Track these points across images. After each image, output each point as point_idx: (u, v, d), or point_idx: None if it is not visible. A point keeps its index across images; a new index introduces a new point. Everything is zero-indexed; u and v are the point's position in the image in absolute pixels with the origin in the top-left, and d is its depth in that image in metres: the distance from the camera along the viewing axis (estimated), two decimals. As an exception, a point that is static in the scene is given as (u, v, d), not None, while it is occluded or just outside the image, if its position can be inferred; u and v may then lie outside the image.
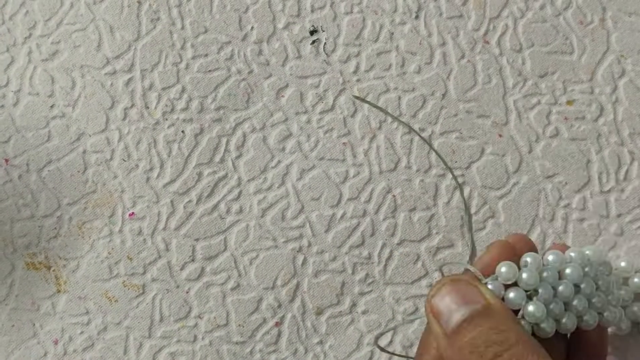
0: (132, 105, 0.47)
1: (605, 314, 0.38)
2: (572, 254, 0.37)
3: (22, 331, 0.45)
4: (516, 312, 0.36)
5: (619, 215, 0.46)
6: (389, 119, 0.47)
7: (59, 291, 0.45)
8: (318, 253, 0.46)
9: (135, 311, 0.45)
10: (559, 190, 0.46)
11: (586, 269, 0.37)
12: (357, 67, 0.47)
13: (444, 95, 0.47)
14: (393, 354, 0.44)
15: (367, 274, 0.46)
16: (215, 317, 0.45)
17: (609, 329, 0.42)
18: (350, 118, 0.47)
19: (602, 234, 0.46)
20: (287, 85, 0.47)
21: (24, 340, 0.45)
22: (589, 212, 0.46)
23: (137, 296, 0.45)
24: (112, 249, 0.46)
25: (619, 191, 0.46)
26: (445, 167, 0.44)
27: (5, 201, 0.46)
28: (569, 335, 0.39)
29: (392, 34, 0.48)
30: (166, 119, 0.47)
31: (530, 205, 0.46)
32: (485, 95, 0.47)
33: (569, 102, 0.47)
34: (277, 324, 0.45)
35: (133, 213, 0.46)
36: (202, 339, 0.45)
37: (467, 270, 0.36)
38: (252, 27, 0.48)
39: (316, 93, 0.47)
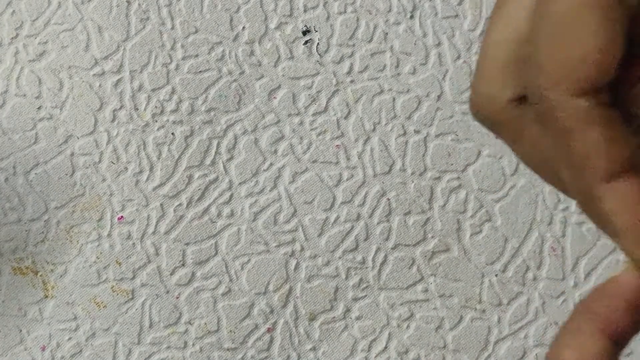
0: (121, 107, 0.47)
1: None
2: None
3: (8, 337, 0.45)
4: None
5: (618, 219, 0.46)
6: (383, 122, 0.47)
7: (46, 296, 0.45)
8: (311, 257, 0.46)
9: (125, 317, 0.45)
10: (557, 193, 0.46)
11: None
12: (351, 68, 0.47)
13: (439, 96, 0.47)
14: None
15: (361, 279, 0.46)
16: (206, 323, 0.45)
17: None
18: (343, 120, 0.47)
19: (601, 238, 0.46)
20: (279, 87, 0.47)
21: (10, 347, 0.45)
22: (588, 215, 0.46)
23: (126, 302, 0.45)
24: (101, 253, 0.46)
25: (618, 194, 0.46)
26: None
27: (-8, 205, 0.46)
28: None
29: (387, 34, 0.48)
30: (156, 121, 0.47)
31: (528, 209, 0.46)
32: (481, 96, 0.47)
33: (567, 104, 0.47)
34: (269, 330, 0.45)
35: (122, 217, 0.46)
36: (193, 345, 0.45)
37: None
38: (244, 27, 0.48)
39: (309, 94, 0.47)
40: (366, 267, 0.46)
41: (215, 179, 0.46)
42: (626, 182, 0.25)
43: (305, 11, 0.48)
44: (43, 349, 0.45)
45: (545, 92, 0.25)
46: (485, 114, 0.28)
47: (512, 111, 0.28)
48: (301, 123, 0.47)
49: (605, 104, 0.25)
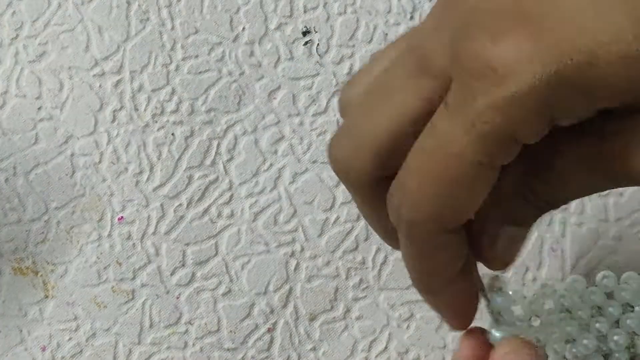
0: (121, 108, 0.47)
1: None
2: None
3: (8, 338, 0.45)
4: None
5: (617, 219, 0.46)
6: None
7: (46, 297, 0.45)
8: (311, 258, 0.46)
9: (125, 317, 0.45)
10: (556, 193, 0.46)
11: None
12: (351, 69, 0.47)
13: (439, 97, 0.47)
14: None
15: (361, 279, 0.45)
16: (206, 323, 0.45)
17: None
18: (343, 120, 0.47)
19: (600, 238, 0.46)
20: (279, 87, 0.47)
21: (10, 347, 0.45)
22: (588, 216, 0.46)
23: (126, 302, 0.45)
24: (101, 253, 0.46)
25: (617, 195, 0.46)
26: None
27: (-8, 205, 0.46)
28: None
29: (387, 34, 0.48)
30: (156, 122, 0.47)
31: (527, 209, 0.46)
32: (481, 96, 0.47)
33: (567, 104, 0.47)
34: (269, 330, 0.45)
35: (122, 217, 0.46)
36: (193, 345, 0.45)
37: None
38: (244, 28, 0.48)
39: (309, 95, 0.47)
40: (366, 268, 0.46)
41: (216, 180, 0.46)
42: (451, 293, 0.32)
43: (305, 12, 0.48)
44: (43, 349, 0.45)
45: (409, 216, 0.28)
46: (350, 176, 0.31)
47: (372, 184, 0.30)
48: (301, 123, 0.47)
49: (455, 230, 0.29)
